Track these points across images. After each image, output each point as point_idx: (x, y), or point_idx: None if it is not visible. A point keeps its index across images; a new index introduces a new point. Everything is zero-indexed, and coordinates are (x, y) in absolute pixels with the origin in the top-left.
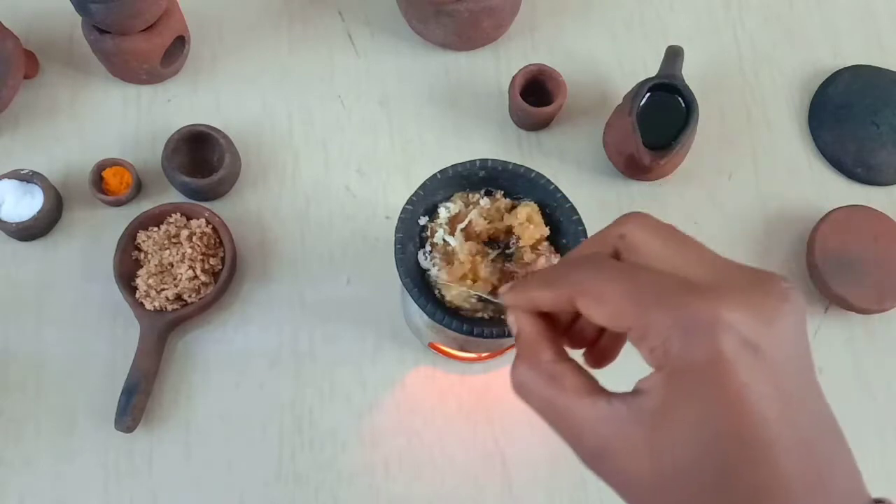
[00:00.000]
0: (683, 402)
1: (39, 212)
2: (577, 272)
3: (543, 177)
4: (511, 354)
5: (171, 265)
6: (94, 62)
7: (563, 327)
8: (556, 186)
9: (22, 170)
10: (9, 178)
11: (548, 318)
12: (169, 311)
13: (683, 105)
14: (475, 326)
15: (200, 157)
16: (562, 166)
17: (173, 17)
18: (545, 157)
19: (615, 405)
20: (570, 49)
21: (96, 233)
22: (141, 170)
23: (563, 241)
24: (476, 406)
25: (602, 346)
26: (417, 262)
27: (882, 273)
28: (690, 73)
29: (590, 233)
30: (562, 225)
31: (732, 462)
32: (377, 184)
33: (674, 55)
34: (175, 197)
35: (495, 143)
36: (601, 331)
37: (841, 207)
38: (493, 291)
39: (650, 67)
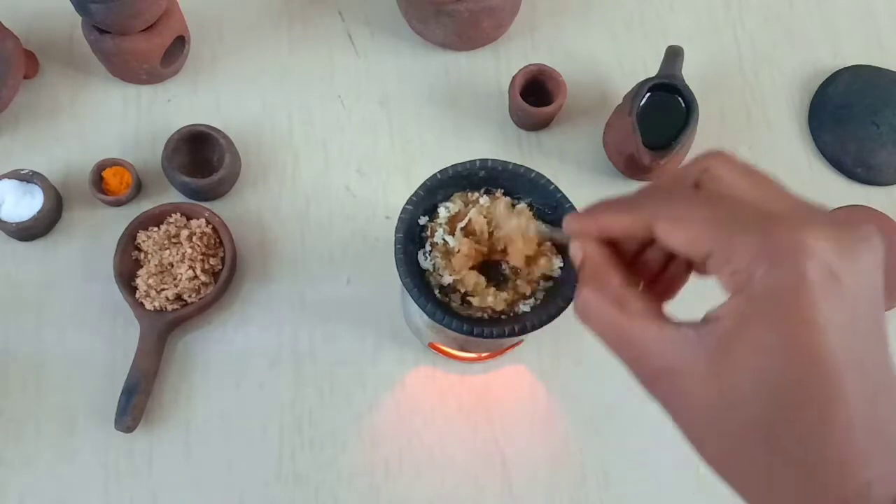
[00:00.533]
0: (760, 326)
1: (39, 212)
2: (658, 198)
3: (543, 177)
4: (511, 355)
5: (171, 265)
6: (94, 62)
7: (626, 259)
8: (556, 186)
9: (22, 170)
10: (9, 178)
11: (613, 247)
12: (169, 311)
13: (683, 105)
14: (475, 326)
15: (200, 157)
16: (562, 166)
17: (173, 17)
18: (545, 157)
19: (683, 329)
20: (570, 49)
21: (96, 233)
22: (141, 170)
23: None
24: (476, 406)
25: (664, 281)
26: (417, 262)
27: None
28: (690, 73)
29: None
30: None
31: (799, 391)
32: (377, 184)
33: (674, 55)
34: (175, 197)
35: (495, 143)
36: (665, 265)
37: (841, 207)
38: (489, 285)
39: (650, 67)
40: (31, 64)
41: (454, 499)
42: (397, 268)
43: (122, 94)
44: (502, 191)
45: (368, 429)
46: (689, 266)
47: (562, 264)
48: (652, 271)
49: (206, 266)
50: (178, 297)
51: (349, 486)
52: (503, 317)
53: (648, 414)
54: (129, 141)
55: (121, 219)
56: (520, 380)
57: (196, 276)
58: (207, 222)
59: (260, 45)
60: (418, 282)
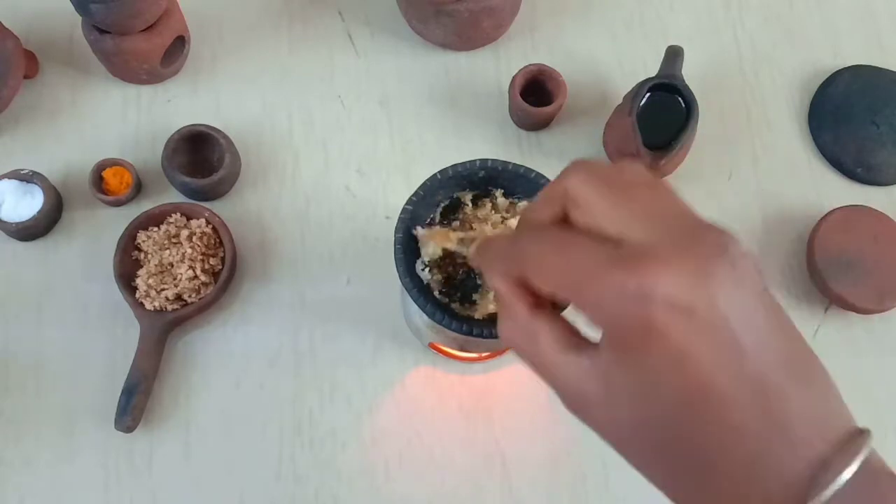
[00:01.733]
0: (625, 368)
1: (39, 212)
2: (524, 246)
3: (543, 177)
4: (511, 355)
5: (171, 265)
6: (94, 62)
7: None
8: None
9: (22, 170)
10: (9, 178)
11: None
12: (169, 311)
13: (683, 105)
14: (475, 327)
15: (200, 157)
16: (562, 166)
17: (173, 17)
18: (545, 157)
19: (581, 360)
20: (570, 49)
21: (96, 233)
22: (141, 170)
23: None
24: (476, 406)
25: None
26: (416, 262)
27: (882, 273)
28: (690, 73)
29: None
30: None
31: (681, 421)
32: (377, 184)
33: (674, 55)
34: (175, 197)
35: (495, 143)
36: None
37: (841, 207)
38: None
39: (650, 67)
40: (31, 64)
41: (454, 499)
42: (397, 268)
43: (122, 94)
44: (502, 191)
45: (368, 429)
46: None
47: None
48: None
49: (206, 266)
50: (178, 297)
51: (349, 486)
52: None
53: None
54: (129, 141)
55: (121, 219)
56: (520, 380)
57: (196, 276)
58: (207, 222)
59: (260, 45)
60: (418, 282)
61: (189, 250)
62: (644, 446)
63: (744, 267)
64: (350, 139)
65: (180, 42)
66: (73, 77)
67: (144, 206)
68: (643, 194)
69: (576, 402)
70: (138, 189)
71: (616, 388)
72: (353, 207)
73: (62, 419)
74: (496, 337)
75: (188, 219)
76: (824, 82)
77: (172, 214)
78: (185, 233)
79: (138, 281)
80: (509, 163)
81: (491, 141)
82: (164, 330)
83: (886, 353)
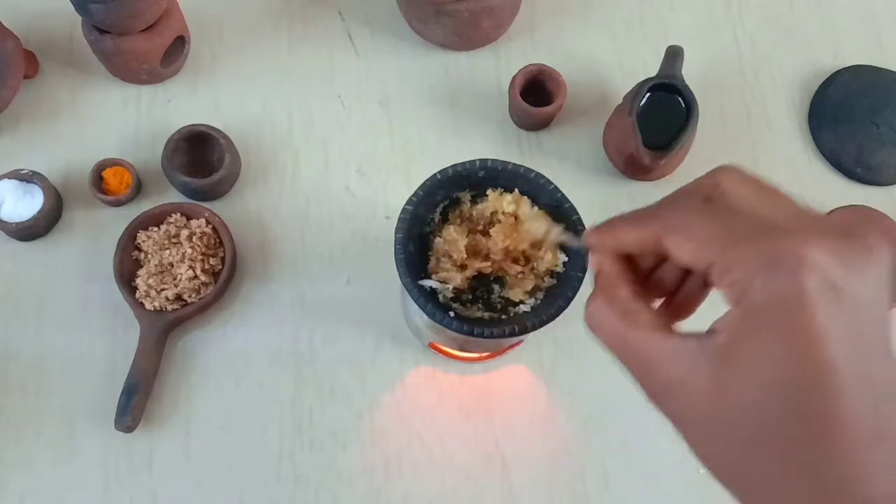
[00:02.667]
0: (757, 338)
1: (39, 212)
2: (668, 211)
3: (543, 177)
4: (511, 355)
5: (171, 265)
6: (94, 62)
7: (642, 275)
8: (555, 186)
9: (22, 170)
10: (9, 178)
11: (629, 262)
12: (169, 311)
13: (683, 105)
14: (475, 327)
15: (200, 157)
16: (562, 166)
17: (173, 17)
18: (545, 157)
19: (687, 341)
20: (570, 49)
21: (96, 233)
22: (141, 170)
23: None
24: (476, 406)
25: (681, 298)
26: (417, 263)
27: None
28: (690, 73)
29: None
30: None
31: (799, 402)
32: (377, 184)
33: (674, 55)
34: (175, 197)
35: (495, 143)
36: (681, 281)
37: (841, 207)
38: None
39: (650, 67)
40: (31, 64)
41: (454, 499)
42: (397, 268)
43: (122, 94)
44: (501, 190)
45: (368, 429)
46: (706, 283)
47: (566, 259)
48: (667, 288)
49: (207, 266)
50: (179, 297)
51: (349, 486)
52: (503, 317)
53: (648, 414)
54: (129, 141)
55: (121, 219)
56: (520, 380)
57: (196, 276)
58: (207, 222)
59: (260, 45)
60: (418, 282)
61: (189, 250)
62: (740, 438)
63: (887, 271)
64: (350, 139)
65: (180, 42)
66: (73, 77)
67: (144, 206)
68: (790, 198)
69: (666, 386)
70: (138, 189)
71: (734, 370)
72: (353, 207)
73: (62, 419)
74: (496, 337)
75: (188, 219)
76: (824, 82)
77: (172, 214)
78: (185, 233)
79: (138, 281)
80: (509, 163)
81: (491, 141)
82: (164, 330)
83: None
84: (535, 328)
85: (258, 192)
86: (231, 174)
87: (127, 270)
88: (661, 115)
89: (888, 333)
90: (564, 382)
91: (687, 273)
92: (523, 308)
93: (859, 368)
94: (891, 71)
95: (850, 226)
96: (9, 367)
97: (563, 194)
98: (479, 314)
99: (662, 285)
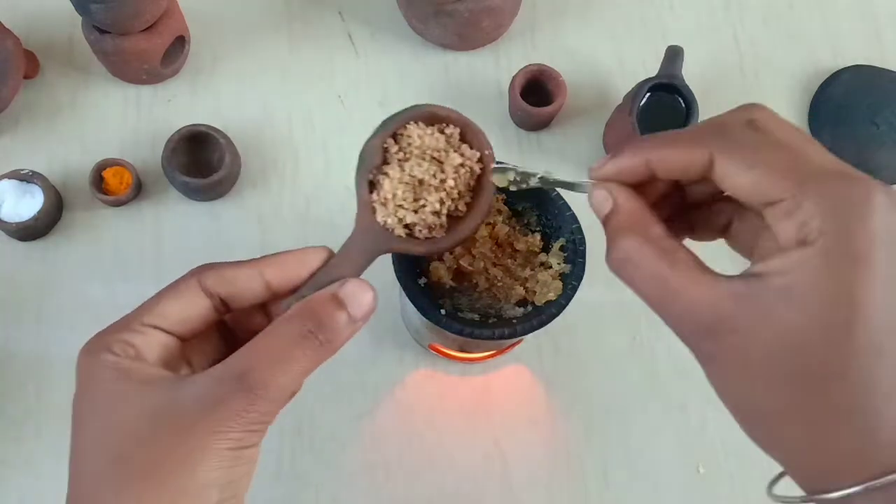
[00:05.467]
0: (825, 280)
1: (39, 212)
2: (717, 135)
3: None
4: (511, 355)
5: (421, 183)
6: (94, 62)
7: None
8: (558, 193)
9: (22, 170)
10: (9, 178)
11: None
12: (394, 236)
13: (683, 105)
14: (475, 328)
15: (200, 157)
16: (562, 166)
17: (173, 17)
18: (545, 156)
19: (735, 283)
20: (570, 49)
21: (96, 233)
22: (141, 170)
23: (562, 249)
24: (476, 406)
25: (689, 218)
26: (417, 263)
27: None
28: (690, 73)
29: (590, 247)
30: (561, 232)
31: (847, 350)
32: None
33: (674, 55)
34: (175, 197)
35: (495, 143)
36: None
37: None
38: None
39: (650, 67)
40: (31, 64)
41: (454, 499)
42: (395, 269)
43: (122, 94)
44: (504, 196)
45: (369, 429)
46: (727, 224)
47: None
48: (667, 215)
49: (453, 208)
50: (407, 226)
51: (349, 487)
52: (501, 318)
53: (648, 414)
54: (129, 141)
55: (121, 219)
56: (520, 380)
57: (438, 214)
58: (480, 162)
59: (260, 45)
60: (417, 283)
61: (451, 181)
62: (783, 373)
63: None
64: (350, 139)
65: (180, 42)
66: (73, 77)
67: (144, 206)
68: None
69: (712, 328)
70: (138, 189)
71: (793, 306)
72: (353, 207)
73: (62, 419)
74: (496, 338)
75: (464, 142)
76: (824, 82)
77: (450, 127)
78: (455, 157)
79: (384, 180)
80: (508, 163)
81: (491, 141)
82: (368, 256)
83: None
84: (534, 329)
85: (258, 192)
86: (231, 174)
87: (372, 161)
88: (661, 115)
89: None
90: (564, 382)
91: (706, 202)
92: (522, 309)
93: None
94: (891, 71)
95: (859, 174)
96: (9, 367)
97: (564, 202)
98: (470, 315)
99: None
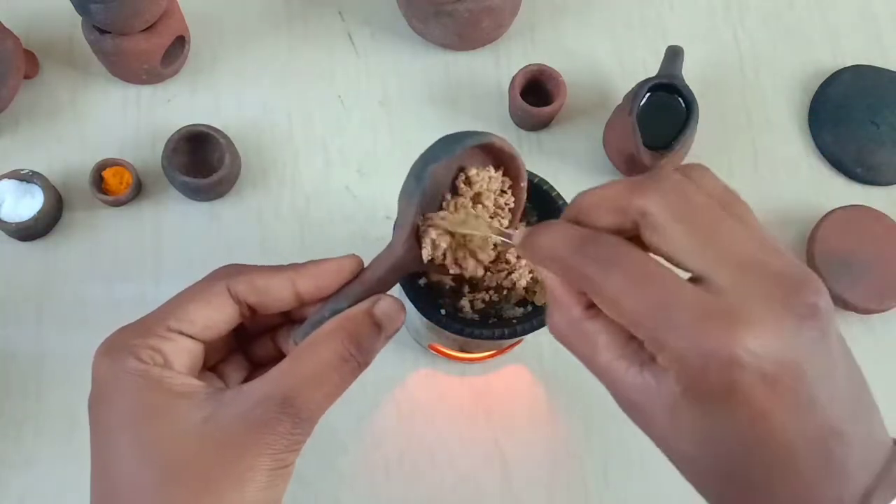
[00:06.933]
0: (695, 412)
1: (39, 212)
2: (589, 262)
3: (546, 182)
4: (511, 355)
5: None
6: (94, 62)
7: None
8: (558, 193)
9: (22, 170)
10: (9, 178)
11: None
12: (430, 264)
13: (683, 105)
14: (475, 328)
15: (200, 157)
16: (562, 166)
17: (173, 17)
18: (545, 157)
19: (646, 377)
20: (570, 49)
21: (96, 233)
22: (141, 170)
23: None
24: (476, 406)
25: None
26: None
27: (882, 273)
28: (690, 73)
29: None
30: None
31: (745, 463)
32: (377, 184)
33: (674, 55)
34: (175, 197)
35: None
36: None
37: (841, 207)
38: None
39: (650, 67)
40: (31, 64)
41: (454, 499)
42: None
43: (122, 94)
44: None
45: (369, 429)
46: None
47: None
48: None
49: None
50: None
51: (350, 487)
52: (502, 318)
53: None
54: (129, 141)
55: (121, 219)
56: (520, 380)
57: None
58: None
59: (260, 45)
60: (416, 284)
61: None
62: (697, 473)
63: (830, 321)
64: (350, 139)
65: (180, 42)
66: (73, 77)
67: (144, 206)
68: (728, 229)
69: (631, 411)
70: (138, 189)
71: (680, 422)
72: (353, 207)
73: (62, 419)
74: (496, 338)
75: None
76: (824, 82)
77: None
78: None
79: (440, 238)
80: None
81: None
82: (388, 282)
83: (886, 353)
84: (534, 329)
85: (258, 192)
86: (231, 174)
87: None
88: (661, 115)
89: (839, 371)
90: (564, 382)
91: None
92: (521, 309)
93: (803, 426)
94: (891, 71)
95: (788, 283)
96: (9, 367)
97: (565, 201)
98: (470, 315)
99: None
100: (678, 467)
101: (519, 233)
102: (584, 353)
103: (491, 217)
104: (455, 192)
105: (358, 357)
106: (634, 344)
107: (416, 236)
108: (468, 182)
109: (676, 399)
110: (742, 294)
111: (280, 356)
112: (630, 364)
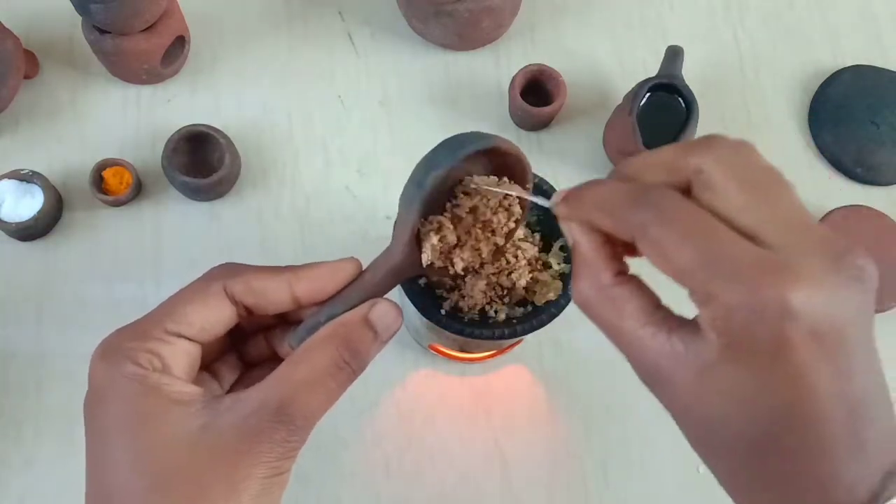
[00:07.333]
0: (734, 370)
1: (39, 212)
2: (644, 210)
3: (546, 182)
4: (511, 355)
5: (472, 230)
6: (94, 62)
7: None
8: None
9: (22, 170)
10: (9, 178)
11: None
12: (430, 268)
13: (683, 105)
14: (475, 328)
15: (200, 157)
16: (562, 166)
17: (173, 17)
18: (545, 157)
19: (674, 343)
20: (570, 49)
21: (96, 233)
22: (141, 170)
23: (562, 249)
24: (476, 406)
25: None
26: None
27: (882, 273)
28: (690, 73)
29: None
30: (561, 232)
31: (774, 429)
32: (377, 184)
33: (674, 55)
34: (175, 197)
35: None
36: None
37: (841, 207)
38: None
39: (650, 67)
40: (31, 64)
41: (454, 499)
42: None
43: (122, 94)
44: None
45: (369, 429)
46: None
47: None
48: None
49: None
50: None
51: (350, 487)
52: (502, 318)
53: (648, 414)
54: (129, 141)
55: (121, 219)
56: (520, 380)
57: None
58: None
59: (260, 45)
60: (416, 284)
61: (500, 240)
62: (722, 441)
63: (874, 288)
64: (350, 139)
65: (180, 42)
66: (73, 77)
67: (144, 206)
68: (780, 193)
69: (654, 380)
70: (138, 189)
71: (713, 384)
72: (353, 207)
73: (62, 419)
74: (496, 338)
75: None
76: (824, 82)
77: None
78: (502, 215)
79: (437, 238)
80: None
81: None
82: (388, 285)
83: (886, 353)
84: (533, 329)
85: (258, 192)
86: (231, 174)
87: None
88: (661, 115)
89: (871, 348)
90: (564, 382)
91: None
92: (521, 309)
93: (840, 394)
94: (891, 71)
95: (837, 247)
96: (9, 367)
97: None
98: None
99: None
100: (697, 438)
101: (560, 192)
102: (610, 319)
103: (490, 234)
104: (455, 196)
105: (353, 364)
106: (662, 311)
107: (416, 240)
108: (467, 195)
109: (710, 361)
110: (796, 251)
111: (274, 356)
112: (658, 330)
